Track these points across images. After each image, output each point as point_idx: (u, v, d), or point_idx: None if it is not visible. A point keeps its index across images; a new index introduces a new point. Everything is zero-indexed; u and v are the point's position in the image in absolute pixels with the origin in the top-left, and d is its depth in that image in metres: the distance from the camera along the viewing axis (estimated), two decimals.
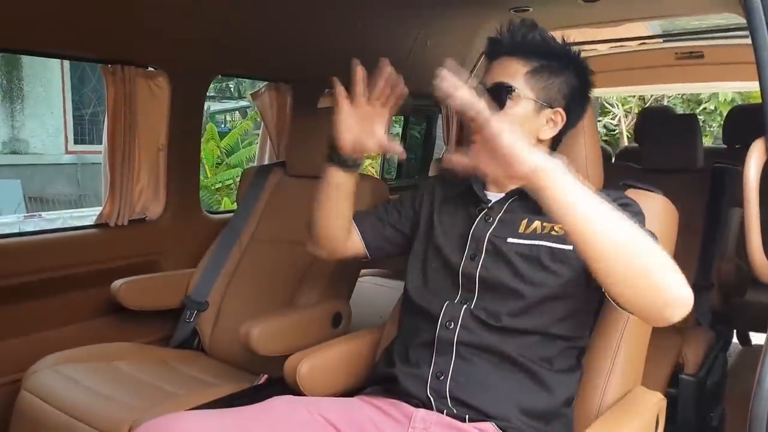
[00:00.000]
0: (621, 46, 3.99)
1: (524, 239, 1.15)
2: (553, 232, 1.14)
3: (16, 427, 1.58)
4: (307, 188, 2.00)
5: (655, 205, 1.28)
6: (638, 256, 0.89)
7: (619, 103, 9.88)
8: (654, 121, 2.71)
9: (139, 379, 1.68)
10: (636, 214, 1.11)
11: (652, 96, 9.36)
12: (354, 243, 1.36)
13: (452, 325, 1.13)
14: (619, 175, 2.68)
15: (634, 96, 9.55)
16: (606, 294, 0.97)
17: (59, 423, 1.48)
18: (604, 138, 10.23)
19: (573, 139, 1.31)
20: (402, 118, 3.73)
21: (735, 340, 2.84)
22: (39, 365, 1.67)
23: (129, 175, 2.07)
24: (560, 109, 1.19)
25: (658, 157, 2.44)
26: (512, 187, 1.22)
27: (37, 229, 2.11)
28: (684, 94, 9.65)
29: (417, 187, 1.37)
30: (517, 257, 1.14)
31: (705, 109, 9.73)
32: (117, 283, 1.91)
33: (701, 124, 10.08)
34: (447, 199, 1.31)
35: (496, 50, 1.21)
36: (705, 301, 2.20)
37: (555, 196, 0.88)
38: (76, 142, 7.92)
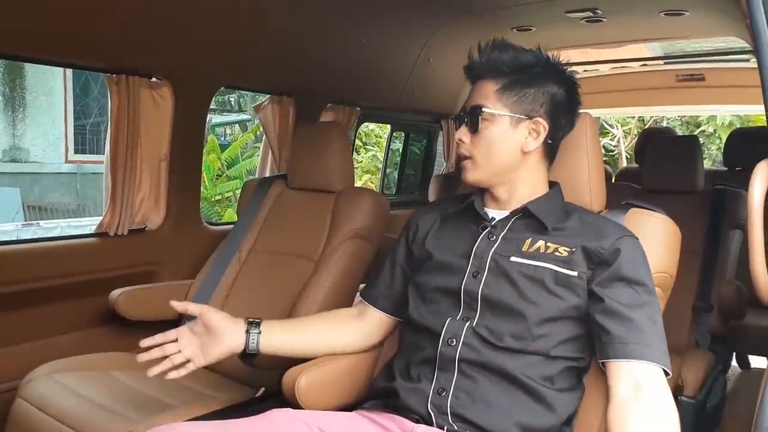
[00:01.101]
0: (622, 67, 4.03)
1: (528, 258, 1.15)
2: (557, 253, 1.14)
3: None
4: (309, 201, 2.03)
5: (658, 225, 1.28)
6: None
7: (618, 123, 9.94)
8: (655, 142, 2.72)
9: (135, 389, 1.66)
10: (636, 249, 1.15)
11: (651, 117, 9.43)
12: (379, 321, 1.37)
13: (454, 342, 1.12)
14: (619, 195, 2.68)
15: (634, 117, 9.62)
16: None
17: (53, 431, 1.46)
18: (604, 158, 10.26)
19: (576, 158, 1.32)
20: (402, 134, 3.75)
21: (734, 363, 2.82)
22: (35, 373, 1.65)
23: (130, 185, 2.07)
24: (540, 119, 1.19)
25: (659, 178, 2.45)
26: (510, 205, 1.22)
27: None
28: (683, 117, 9.72)
29: (408, 222, 1.38)
30: (521, 277, 1.14)
31: (704, 131, 9.79)
32: (115, 293, 1.90)
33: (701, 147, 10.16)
34: (447, 218, 1.31)
35: (472, 76, 1.23)
36: (704, 323, 2.19)
37: None
38: (76, 151, 7.93)
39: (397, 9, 2.43)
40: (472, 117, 1.18)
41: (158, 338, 1.21)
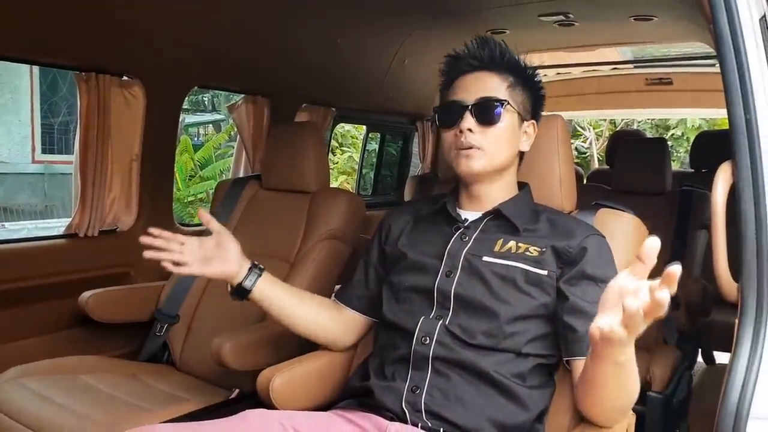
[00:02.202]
0: (594, 70, 4.10)
1: (500, 258, 1.17)
2: (527, 254, 1.17)
3: None
4: (283, 202, 2.03)
5: (626, 224, 1.31)
6: (624, 401, 1.03)
7: (590, 126, 10.11)
8: (625, 144, 2.78)
9: (106, 393, 1.64)
10: (602, 247, 1.18)
11: (622, 120, 9.61)
12: (354, 322, 1.37)
13: (428, 341, 1.14)
14: (590, 197, 2.73)
15: (605, 120, 9.79)
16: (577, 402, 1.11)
17: None
18: (576, 160, 10.42)
19: (547, 160, 1.35)
20: (378, 135, 3.76)
21: (700, 359, 2.90)
22: (2, 378, 1.61)
23: (101, 185, 2.03)
24: (534, 122, 1.26)
25: (628, 179, 2.50)
26: (485, 206, 1.24)
27: None
28: (653, 120, 9.93)
29: (381, 223, 1.39)
30: (493, 276, 1.16)
31: (673, 135, 10.02)
32: (85, 295, 1.86)
33: (670, 149, 10.38)
34: (421, 219, 1.33)
35: (467, 66, 1.23)
36: (671, 321, 2.25)
37: (611, 370, 0.94)
38: (44, 151, 7.75)
39: (371, 10, 2.43)
40: (487, 108, 1.18)
41: (166, 234, 1.20)
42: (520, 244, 1.19)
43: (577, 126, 10.07)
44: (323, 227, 1.88)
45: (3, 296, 1.84)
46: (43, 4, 1.67)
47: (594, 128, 10.12)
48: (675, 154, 9.88)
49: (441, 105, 1.27)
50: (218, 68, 2.30)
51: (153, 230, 1.20)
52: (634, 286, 0.77)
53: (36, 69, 7.16)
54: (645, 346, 2.13)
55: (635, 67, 3.95)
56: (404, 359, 1.15)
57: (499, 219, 1.23)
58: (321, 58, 2.60)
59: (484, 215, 1.24)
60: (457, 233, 1.23)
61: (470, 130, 1.18)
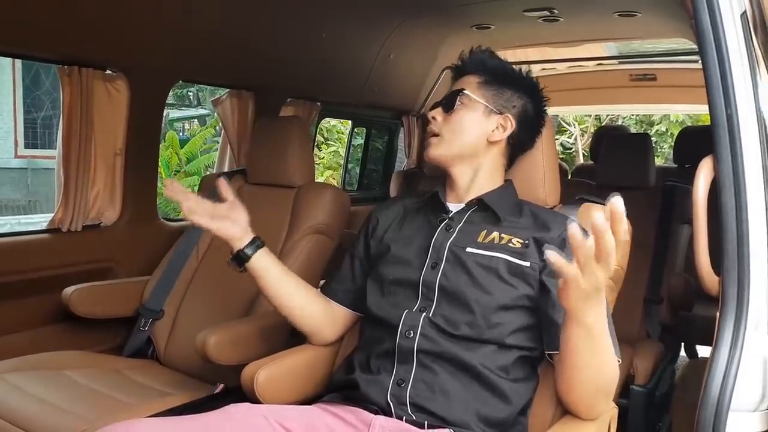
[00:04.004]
0: (579, 65, 4.12)
1: (483, 249, 1.19)
2: (510, 245, 1.18)
3: None
4: (269, 196, 2.02)
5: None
6: (601, 380, 1.04)
7: (575, 122, 10.17)
8: (609, 139, 2.80)
9: (90, 388, 1.62)
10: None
11: (607, 116, 9.68)
12: (341, 315, 1.38)
13: (412, 334, 1.14)
14: (574, 191, 2.75)
15: (590, 116, 9.86)
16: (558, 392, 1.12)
17: None
18: (561, 156, 10.49)
19: (531, 157, 1.36)
20: (364, 130, 3.75)
21: (683, 353, 2.94)
22: None
23: (84, 180, 2.01)
24: (509, 115, 1.28)
25: (611, 174, 2.52)
26: (471, 197, 1.25)
27: None
28: (637, 115, 10.01)
29: (369, 216, 1.42)
30: (476, 266, 1.17)
31: (657, 131, 10.10)
32: (68, 290, 1.85)
33: (654, 144, 10.46)
34: (408, 212, 1.35)
35: (459, 73, 1.34)
36: (655, 315, 2.28)
37: (583, 334, 0.97)
38: (27, 146, 7.65)
39: (356, 4, 2.42)
40: (450, 98, 1.27)
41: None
42: (503, 235, 1.20)
43: (562, 122, 10.12)
44: (308, 222, 1.88)
45: None
46: None
47: (579, 124, 10.19)
48: (659, 150, 9.97)
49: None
50: (202, 62, 2.28)
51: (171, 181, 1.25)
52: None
53: (18, 63, 7.06)
54: (628, 340, 2.15)
55: (620, 63, 3.97)
56: (389, 353, 1.16)
57: (482, 210, 1.25)
58: (306, 52, 2.58)
59: (468, 205, 1.26)
60: (442, 225, 1.25)
61: (434, 118, 1.28)
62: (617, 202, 0.80)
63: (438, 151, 1.27)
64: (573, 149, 10.37)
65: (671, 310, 2.32)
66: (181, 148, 6.93)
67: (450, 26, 2.93)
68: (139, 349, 1.93)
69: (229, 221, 1.25)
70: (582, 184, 2.68)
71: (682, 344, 2.86)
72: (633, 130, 10.12)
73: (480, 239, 1.21)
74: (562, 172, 4.00)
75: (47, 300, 1.91)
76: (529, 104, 1.31)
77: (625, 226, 0.82)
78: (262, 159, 2.05)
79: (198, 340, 1.51)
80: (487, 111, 1.27)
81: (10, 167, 7.36)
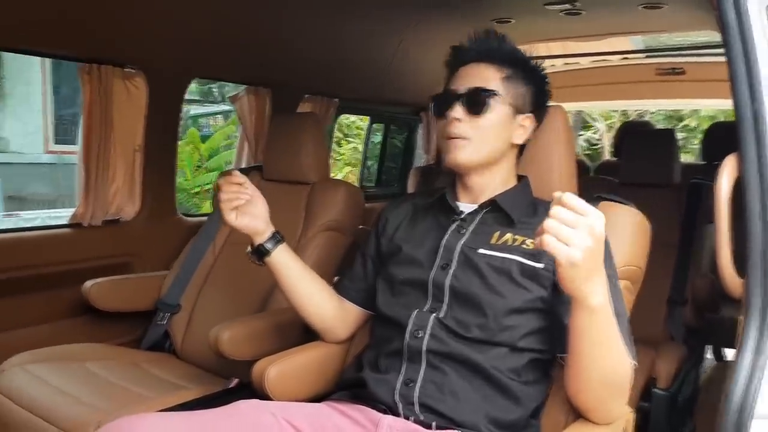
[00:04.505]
0: (603, 60, 4.03)
1: (496, 251, 1.16)
2: (524, 246, 1.15)
3: None
4: (283, 193, 2.02)
5: (627, 217, 1.28)
6: (609, 374, 0.99)
7: (601, 117, 9.99)
8: (632, 135, 2.74)
9: (108, 380, 1.65)
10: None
11: (635, 111, 9.48)
12: (353, 313, 1.37)
13: (420, 334, 1.13)
14: (595, 189, 2.70)
15: (617, 111, 9.67)
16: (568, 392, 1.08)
17: (25, 422, 1.45)
18: (587, 152, 10.32)
19: (547, 151, 1.32)
20: (383, 126, 3.74)
21: (710, 355, 2.86)
22: (7, 364, 1.63)
23: (104, 176, 2.04)
24: (531, 115, 1.24)
25: (635, 171, 2.46)
26: (482, 198, 1.22)
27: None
28: (666, 110, 9.79)
29: (379, 215, 1.39)
30: (488, 268, 1.14)
31: (686, 126, 9.86)
32: (88, 284, 1.88)
33: (682, 141, 10.23)
34: (418, 211, 1.32)
35: (466, 57, 1.23)
36: (678, 317, 2.22)
37: (587, 319, 0.93)
38: (57, 141, 7.79)
39: (374, 1, 2.40)
40: (477, 98, 1.17)
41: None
42: (516, 237, 1.17)
43: (587, 118, 9.96)
44: (322, 218, 1.88)
45: (9, 284, 1.86)
46: None
47: (605, 120, 10.00)
48: (689, 146, 9.74)
49: (435, 95, 1.26)
50: (220, 59, 2.29)
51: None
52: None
53: (48, 61, 7.19)
54: (650, 342, 2.11)
55: (646, 56, 3.87)
56: (398, 352, 1.14)
57: (496, 211, 1.22)
58: (323, 48, 2.58)
59: (481, 207, 1.23)
60: (454, 226, 1.22)
61: (458, 119, 1.17)
62: (566, 196, 0.85)
63: (465, 156, 1.18)
64: (599, 145, 10.20)
65: (696, 312, 2.26)
66: (203, 143, 6.99)
67: (469, 20, 2.88)
68: (156, 343, 1.95)
69: (250, 216, 1.25)
70: (603, 182, 2.62)
71: (709, 348, 2.79)
72: (661, 126, 9.92)
73: (493, 241, 1.17)
74: (584, 169, 3.96)
75: (69, 293, 1.95)
76: (538, 94, 1.26)
77: (590, 219, 0.83)
78: (277, 155, 2.05)
79: (211, 335, 1.51)
80: (513, 112, 1.21)
81: (40, 162, 7.52)
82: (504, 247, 1.16)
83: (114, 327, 2.02)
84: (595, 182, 2.78)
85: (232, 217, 1.23)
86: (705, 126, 8.60)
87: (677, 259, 2.29)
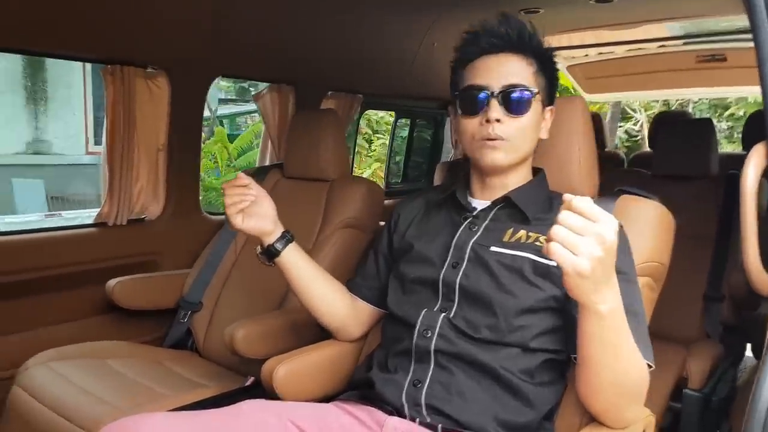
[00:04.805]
0: (639, 48, 3.89)
1: (508, 248, 1.12)
2: (537, 243, 1.11)
3: (7, 423, 1.58)
4: (304, 190, 2.01)
5: (649, 211, 1.23)
6: (621, 377, 0.94)
7: (641, 108, 9.71)
8: (666, 126, 2.63)
9: (128, 377, 1.67)
10: (621, 241, 1.09)
11: (677, 101, 9.17)
12: (364, 312, 1.35)
13: (429, 334, 1.10)
14: (626, 181, 2.60)
15: (658, 101, 9.37)
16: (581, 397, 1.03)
17: (45, 419, 1.47)
18: (627, 144, 10.06)
19: (566, 144, 1.27)
20: (408, 121, 3.70)
21: (750, 354, 2.73)
22: (32, 362, 1.67)
23: (128, 175, 2.07)
24: (552, 107, 1.21)
25: (669, 162, 2.37)
26: (498, 195, 1.18)
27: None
28: (710, 99, 9.44)
29: (391, 213, 1.37)
30: (500, 266, 1.10)
31: (733, 114, 9.50)
32: (111, 283, 1.91)
33: (729, 130, 9.84)
34: (430, 208, 1.29)
35: (491, 46, 1.14)
36: (715, 314, 2.12)
37: (594, 329, 0.89)
38: (96, 143, 8.04)
39: None
40: (516, 97, 1.10)
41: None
42: (530, 233, 1.13)
43: (627, 108, 9.69)
44: (341, 216, 1.86)
45: (37, 282, 1.90)
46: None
47: (645, 110, 9.71)
48: (736, 135, 9.37)
49: (463, 89, 1.17)
50: (242, 57, 2.29)
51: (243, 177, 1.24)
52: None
53: (88, 65, 7.40)
54: (684, 340, 2.02)
55: (685, 43, 3.71)
56: (407, 352, 1.12)
57: (510, 207, 1.17)
58: (346, 43, 2.55)
59: (494, 203, 1.19)
60: (466, 223, 1.19)
61: (498, 120, 1.10)
62: (576, 200, 0.79)
63: (505, 158, 1.12)
64: (638, 137, 9.92)
65: (734, 309, 2.15)
66: (234, 142, 7.07)
67: (496, 11, 2.82)
68: (179, 341, 1.98)
69: (257, 217, 1.23)
70: (635, 174, 2.53)
71: (749, 346, 2.66)
72: (706, 115, 9.57)
73: (506, 238, 1.13)
74: (617, 161, 3.83)
75: (95, 291, 1.98)
76: (552, 80, 1.20)
77: (600, 227, 0.78)
78: (297, 153, 2.05)
79: (226, 333, 1.52)
80: (542, 107, 1.16)
81: (81, 163, 7.76)
82: (516, 245, 1.12)
83: (138, 325, 2.05)
84: (627, 174, 2.69)
85: (238, 221, 1.22)
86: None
87: (714, 254, 2.20)
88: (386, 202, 3.11)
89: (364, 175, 7.34)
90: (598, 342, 0.90)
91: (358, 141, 7.77)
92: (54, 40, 1.81)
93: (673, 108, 9.45)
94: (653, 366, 1.00)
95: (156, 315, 2.04)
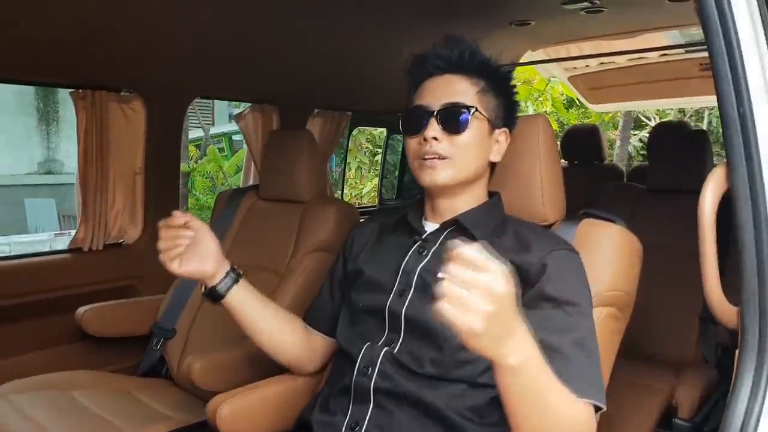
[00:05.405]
0: (640, 57, 3.81)
1: None
2: None
3: None
4: (279, 212, 1.97)
5: (612, 237, 1.15)
6: (560, 427, 0.87)
7: (656, 116, 9.54)
8: (661, 138, 2.55)
9: (90, 410, 1.62)
10: (569, 263, 1.04)
11: (692, 108, 8.99)
12: (321, 344, 1.28)
13: (369, 371, 1.04)
14: (619, 196, 2.52)
15: (673, 109, 9.20)
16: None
17: None
18: (642, 152, 9.89)
19: (528, 166, 1.21)
20: (402, 137, 3.64)
21: None
22: None
23: (102, 200, 2.05)
24: (506, 129, 1.15)
25: (663, 176, 2.29)
26: (448, 216, 1.12)
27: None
28: None
29: (347, 237, 1.31)
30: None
31: None
32: (81, 310, 1.87)
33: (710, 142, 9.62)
34: (385, 230, 1.24)
35: (434, 68, 1.13)
36: (712, 335, 2.02)
37: (509, 381, 0.82)
38: None
39: (385, 8, 2.32)
40: (454, 114, 1.08)
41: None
42: None
43: (641, 116, 9.54)
44: (312, 239, 1.81)
45: (7, 310, 1.87)
46: (34, 23, 1.66)
47: (660, 118, 9.54)
48: None
49: (405, 110, 1.15)
50: (221, 77, 2.27)
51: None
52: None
53: None
54: (676, 365, 1.93)
55: (686, 51, 3.62)
56: (347, 391, 1.05)
57: (460, 230, 1.11)
58: (331, 60, 2.51)
59: (443, 226, 1.13)
60: (415, 247, 1.13)
61: (435, 138, 1.07)
62: (461, 249, 0.71)
63: (445, 176, 1.08)
64: None
65: (731, 330, 2.05)
66: (229, 160, 7.04)
67: (487, 24, 2.77)
68: (152, 369, 1.93)
69: (198, 258, 1.13)
70: (630, 189, 2.44)
71: None
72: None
73: None
74: (616, 174, 3.73)
75: (68, 319, 1.94)
76: (506, 103, 1.15)
77: (488, 279, 0.70)
78: (272, 174, 2.01)
79: (184, 365, 1.48)
80: (490, 127, 1.11)
81: None
82: None
83: (111, 353, 2.01)
84: (622, 189, 2.60)
85: (175, 267, 1.11)
86: None
87: None
88: None
89: (365, 191, 7.28)
90: (519, 395, 0.83)
91: (359, 157, 7.75)
92: (19, 66, 1.79)
93: (688, 116, 9.28)
94: (604, 407, 0.93)
95: (129, 342, 2.00)
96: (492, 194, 1.18)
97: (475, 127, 1.09)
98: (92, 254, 2.07)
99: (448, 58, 1.12)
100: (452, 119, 1.08)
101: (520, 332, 0.76)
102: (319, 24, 2.25)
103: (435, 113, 1.08)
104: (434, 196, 1.14)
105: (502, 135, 1.14)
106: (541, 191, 1.22)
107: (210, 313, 1.93)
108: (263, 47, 2.25)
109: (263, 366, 1.51)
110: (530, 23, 2.78)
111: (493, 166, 1.17)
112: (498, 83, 1.13)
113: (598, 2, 2.48)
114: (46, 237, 6.44)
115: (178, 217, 1.12)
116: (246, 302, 1.19)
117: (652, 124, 9.64)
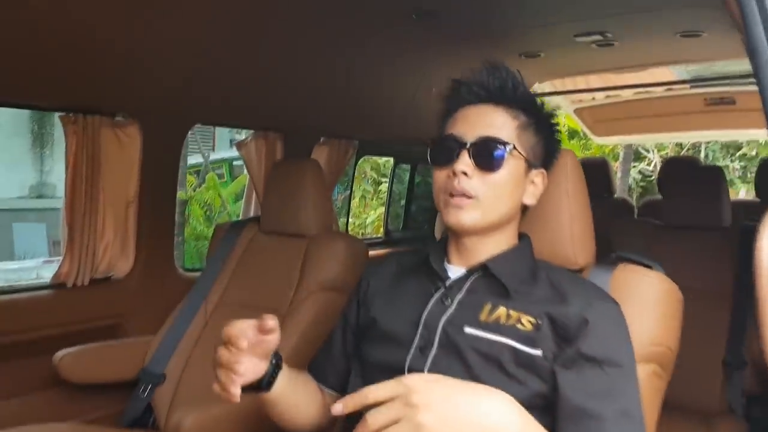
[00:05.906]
0: (646, 91, 3.78)
1: (485, 331, 0.94)
2: (519, 326, 0.93)
3: None
4: (279, 246, 1.85)
5: (653, 286, 1.05)
6: None
7: (654, 148, 9.58)
8: (675, 173, 2.47)
9: None
10: (611, 318, 0.93)
11: (689, 142, 9.02)
12: (331, 401, 1.10)
13: None
14: (636, 233, 2.41)
15: (671, 142, 9.24)
16: None
17: None
18: (641, 184, 9.90)
19: (556, 206, 1.10)
20: (409, 166, 3.56)
21: None
22: None
23: (91, 231, 1.91)
24: (543, 171, 1.05)
25: (678, 213, 2.20)
26: (476, 261, 1.01)
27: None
28: (722, 141, 9.30)
29: (360, 279, 1.17)
30: (474, 354, 0.92)
31: (745, 155, 9.33)
32: (59, 355, 1.70)
33: (742, 170, 9.66)
34: (404, 272, 1.11)
35: (472, 96, 1.03)
36: (738, 382, 1.90)
37: None
38: None
39: (393, 35, 2.25)
40: (490, 150, 0.98)
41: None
42: (511, 312, 0.94)
43: (640, 149, 9.56)
44: (318, 276, 1.70)
45: None
46: (23, 43, 1.56)
47: (659, 151, 9.57)
48: (749, 176, 9.18)
49: (438, 139, 1.04)
50: (222, 103, 2.17)
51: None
52: None
53: None
54: (704, 414, 1.80)
55: (692, 86, 3.59)
56: None
57: (488, 277, 1.00)
58: (339, 87, 2.43)
59: (469, 271, 1.01)
60: (437, 295, 1.01)
61: (465, 173, 0.96)
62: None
63: (472, 218, 0.98)
64: (652, 177, 9.75)
65: (758, 377, 1.93)
66: (228, 188, 6.93)
67: (496, 54, 2.71)
68: (138, 419, 1.77)
69: (257, 358, 0.95)
70: (646, 225, 2.34)
71: None
72: (718, 156, 9.39)
73: (483, 317, 0.95)
74: (627, 209, 3.65)
75: (46, 362, 1.76)
76: (550, 146, 1.06)
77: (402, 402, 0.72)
78: (274, 206, 1.90)
79: (173, 420, 1.33)
80: (527, 167, 1.01)
81: None
82: (495, 326, 0.94)
83: (92, 401, 1.83)
84: (637, 226, 2.50)
85: (237, 391, 0.91)
86: (766, 154, 8.08)
87: (732, 314, 1.99)
88: (385, 250, 2.91)
89: (368, 221, 7.17)
90: None
91: (363, 186, 7.65)
92: (6, 89, 1.67)
93: (686, 149, 9.29)
94: None
95: (113, 388, 1.83)
96: (521, 236, 1.08)
97: (511, 166, 0.98)
98: (76, 290, 1.91)
99: (488, 87, 1.01)
100: (486, 154, 0.97)
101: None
102: (325, 51, 2.18)
103: (468, 146, 0.98)
104: (460, 236, 1.03)
105: (539, 176, 1.04)
106: (570, 232, 1.11)
107: (204, 356, 1.80)
108: (267, 72, 2.16)
109: (263, 420, 1.38)
110: (540, 55, 2.74)
111: (525, 207, 1.07)
112: (540, 119, 1.04)
113: (610, 35, 2.44)
114: (33, 264, 6.26)
115: (269, 319, 0.90)
116: (285, 391, 1.01)
117: (651, 156, 9.68)
